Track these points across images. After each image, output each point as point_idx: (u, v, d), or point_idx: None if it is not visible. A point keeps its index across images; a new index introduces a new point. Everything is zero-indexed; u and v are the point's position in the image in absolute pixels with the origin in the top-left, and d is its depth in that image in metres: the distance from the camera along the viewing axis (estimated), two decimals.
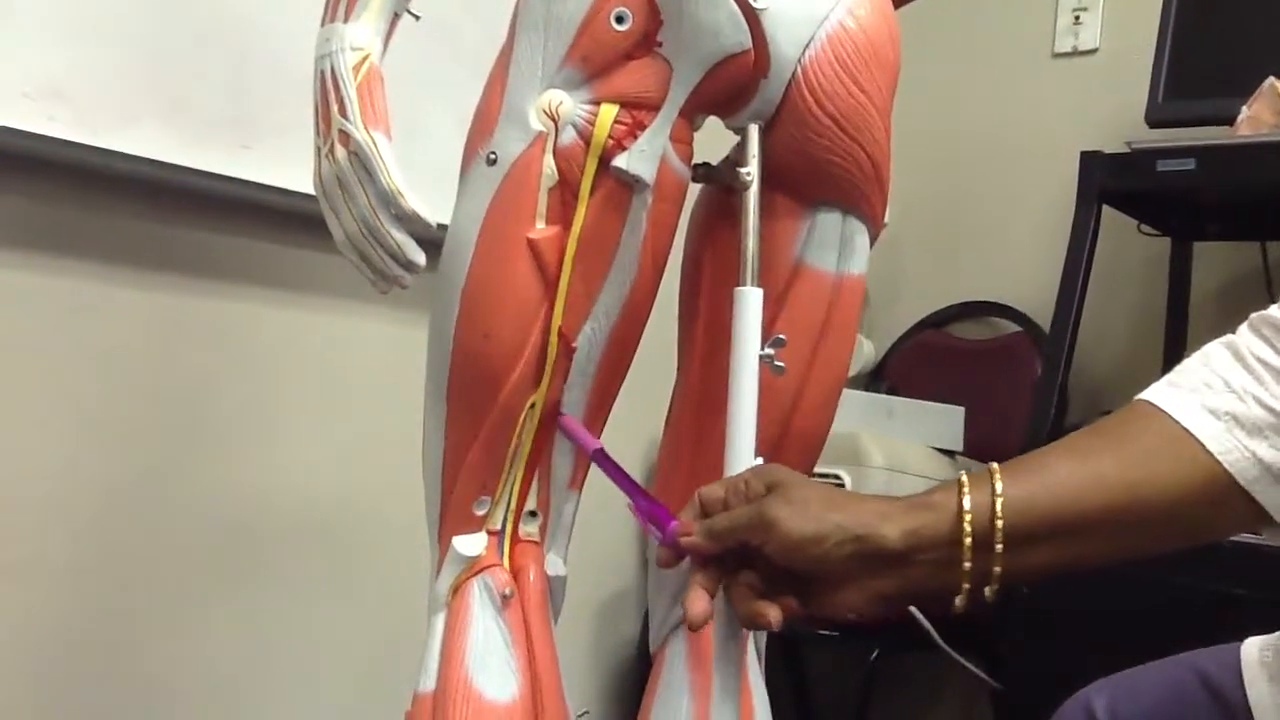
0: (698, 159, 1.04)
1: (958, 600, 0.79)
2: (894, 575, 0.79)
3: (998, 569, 0.78)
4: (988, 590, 0.79)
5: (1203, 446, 0.80)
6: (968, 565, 0.78)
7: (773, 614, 0.81)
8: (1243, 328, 0.85)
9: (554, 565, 1.06)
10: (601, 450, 1.00)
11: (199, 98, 1.44)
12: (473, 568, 1.02)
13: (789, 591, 0.82)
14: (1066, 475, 0.80)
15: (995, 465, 0.80)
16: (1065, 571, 0.81)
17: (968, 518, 0.78)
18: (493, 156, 0.98)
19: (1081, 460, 0.81)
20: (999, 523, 0.78)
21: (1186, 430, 0.80)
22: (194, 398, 1.52)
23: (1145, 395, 0.84)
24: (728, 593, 0.84)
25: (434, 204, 0.99)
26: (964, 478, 0.80)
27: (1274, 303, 0.84)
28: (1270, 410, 0.80)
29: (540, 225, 0.98)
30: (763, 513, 0.80)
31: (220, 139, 1.46)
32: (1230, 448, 0.79)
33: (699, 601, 0.82)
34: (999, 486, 0.79)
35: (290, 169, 1.31)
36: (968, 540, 0.78)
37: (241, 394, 1.56)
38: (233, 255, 1.55)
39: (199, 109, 1.44)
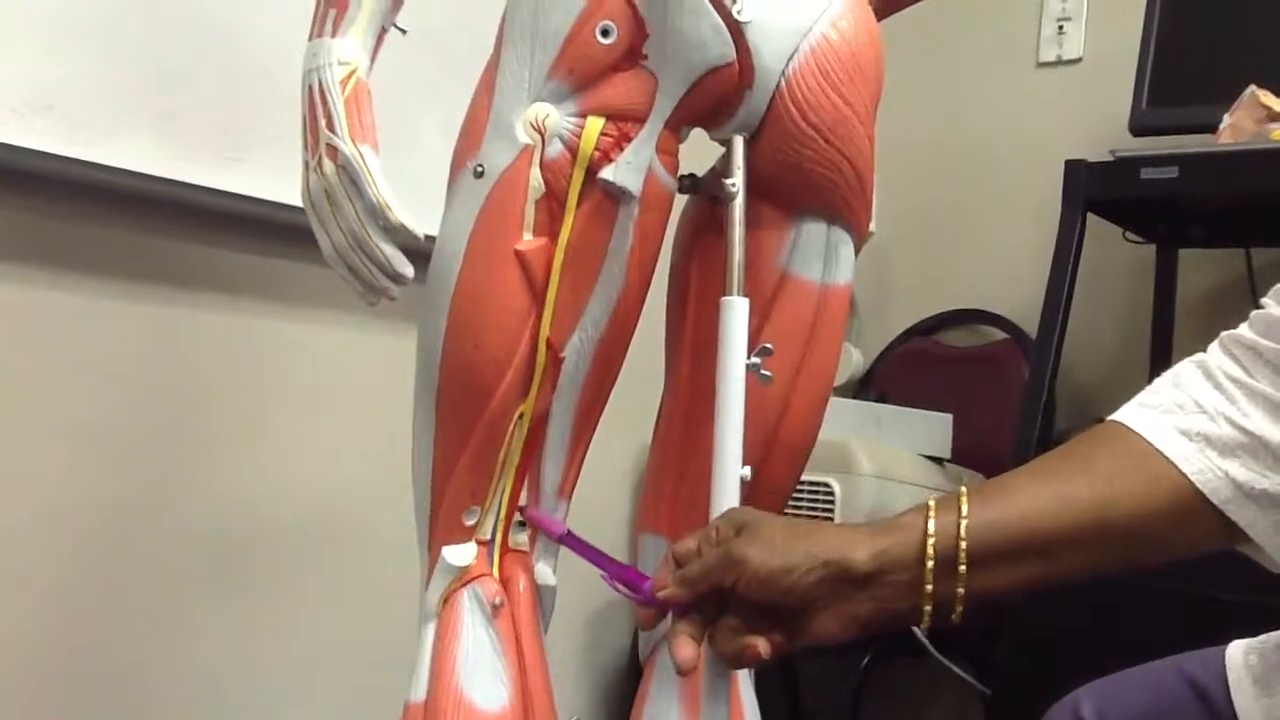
0: (683, 170, 1.04)
1: (920, 625, 0.80)
2: (864, 598, 0.80)
3: (961, 590, 0.78)
4: (954, 615, 0.79)
5: (1175, 466, 0.80)
6: (929, 588, 0.78)
7: (760, 644, 0.81)
8: (1213, 346, 0.85)
9: (543, 575, 1.06)
10: (569, 533, 1.01)
11: (189, 110, 1.44)
12: (462, 577, 1.02)
13: (770, 629, 0.82)
14: (1035, 495, 0.80)
15: (964, 489, 0.81)
16: (1037, 590, 0.82)
17: (931, 540, 0.79)
18: (480, 169, 0.99)
19: (1051, 481, 0.81)
20: (963, 544, 0.78)
21: (1158, 450, 0.80)
22: (183, 409, 1.52)
23: (1116, 416, 0.85)
24: (712, 639, 0.84)
25: (422, 216, 1.00)
26: (932, 502, 0.81)
27: (1258, 308, 0.85)
28: (1242, 430, 0.80)
29: (528, 237, 0.98)
30: (730, 552, 0.81)
31: (210, 152, 1.46)
32: (1203, 468, 0.80)
33: (685, 647, 0.82)
34: (965, 509, 0.79)
35: (281, 182, 1.31)
36: (929, 563, 0.78)
37: (231, 405, 1.57)
38: (222, 267, 1.55)
39: (189, 122, 1.44)
